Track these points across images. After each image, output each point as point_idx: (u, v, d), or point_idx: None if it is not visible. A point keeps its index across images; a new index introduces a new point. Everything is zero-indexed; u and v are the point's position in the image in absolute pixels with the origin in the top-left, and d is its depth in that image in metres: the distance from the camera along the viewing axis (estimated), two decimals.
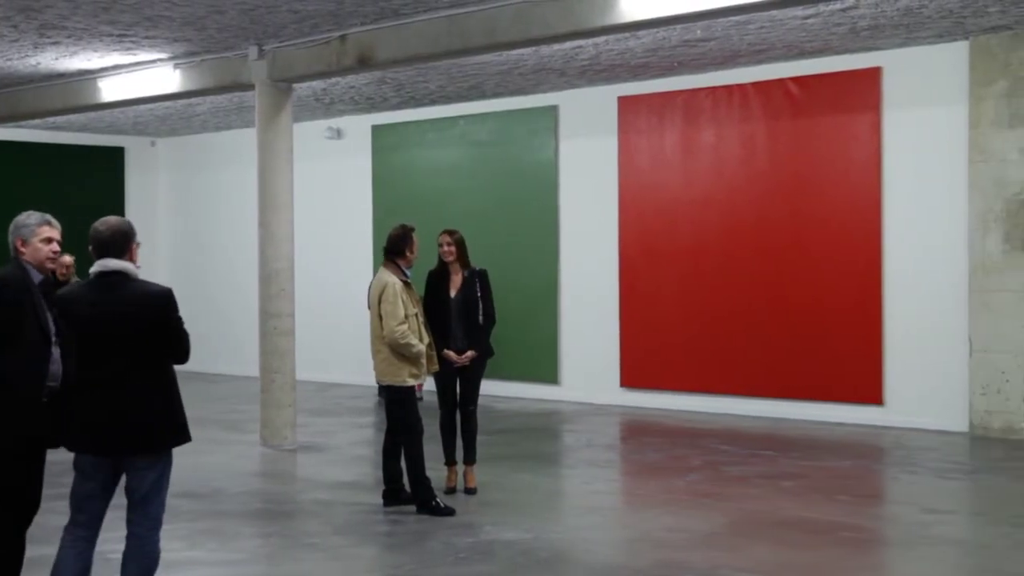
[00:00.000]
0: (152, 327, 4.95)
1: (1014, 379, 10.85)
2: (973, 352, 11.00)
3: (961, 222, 11.24)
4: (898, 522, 7.98)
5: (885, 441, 10.98)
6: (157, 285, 5.11)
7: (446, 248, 8.61)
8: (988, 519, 7.97)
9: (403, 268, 8.06)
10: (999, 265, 10.96)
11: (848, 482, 9.16)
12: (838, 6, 9.64)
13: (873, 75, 11.78)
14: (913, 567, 6.93)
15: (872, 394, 11.78)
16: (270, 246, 11.23)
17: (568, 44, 11.00)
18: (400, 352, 7.90)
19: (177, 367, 5.11)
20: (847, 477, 9.40)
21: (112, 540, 5.50)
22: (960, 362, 11.17)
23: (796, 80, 12.24)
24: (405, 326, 7.84)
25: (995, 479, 9.42)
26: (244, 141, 16.57)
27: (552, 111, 14.23)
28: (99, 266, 5.00)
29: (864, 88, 11.83)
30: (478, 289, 8.63)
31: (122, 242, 5.02)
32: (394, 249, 8.10)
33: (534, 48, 10.94)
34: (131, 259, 5.05)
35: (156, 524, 5.11)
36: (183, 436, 5.11)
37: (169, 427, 5.03)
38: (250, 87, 11.61)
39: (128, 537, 5.09)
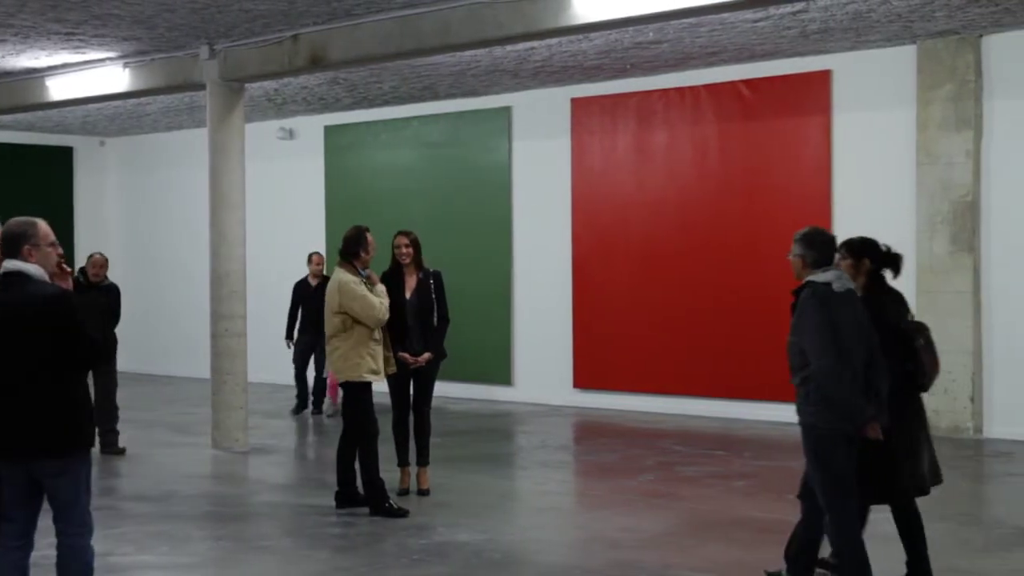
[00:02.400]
0: (47, 330, 4.81)
1: (961, 379, 10.99)
2: None
3: (909, 224, 11.36)
4: None
5: None
6: (53, 286, 4.93)
7: (403, 250, 8.59)
8: (936, 517, 8.04)
9: (358, 268, 8.06)
10: (946, 266, 11.10)
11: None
12: (788, 9, 9.72)
13: (823, 78, 11.89)
14: None
15: None
16: (221, 247, 11.15)
17: (521, 45, 11.01)
18: (385, 314, 7.95)
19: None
20: (799, 477, 9.45)
21: (47, 546, 5.39)
22: None
23: (747, 82, 12.34)
24: (378, 302, 7.92)
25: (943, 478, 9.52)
26: (195, 141, 16.43)
27: (505, 112, 14.24)
28: (3, 267, 4.90)
29: (814, 91, 11.94)
30: (433, 291, 8.63)
31: (11, 242, 4.87)
32: (349, 250, 8.09)
33: (487, 49, 10.95)
34: (32, 260, 4.85)
35: (84, 529, 5.02)
36: (82, 441, 4.96)
37: (67, 431, 4.88)
38: (201, 87, 11.53)
39: (58, 545, 5.02)
